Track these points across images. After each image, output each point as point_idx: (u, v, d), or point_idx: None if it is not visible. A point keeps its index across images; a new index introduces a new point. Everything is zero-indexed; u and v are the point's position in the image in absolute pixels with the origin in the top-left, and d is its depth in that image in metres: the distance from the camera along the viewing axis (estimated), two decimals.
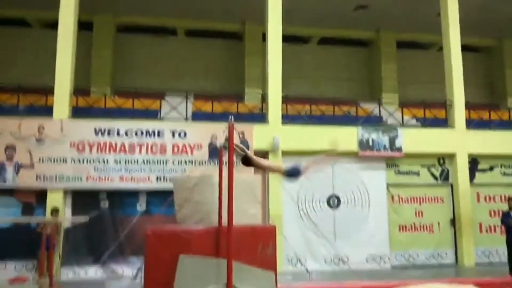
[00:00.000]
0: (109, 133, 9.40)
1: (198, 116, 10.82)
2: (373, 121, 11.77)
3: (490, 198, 11.17)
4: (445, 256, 10.38)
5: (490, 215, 11.05)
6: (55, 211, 8.70)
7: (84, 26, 11.28)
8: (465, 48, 11.65)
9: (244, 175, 5.95)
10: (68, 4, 9.66)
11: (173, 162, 9.52)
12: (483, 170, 11.22)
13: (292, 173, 4.85)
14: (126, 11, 12.74)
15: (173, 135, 9.63)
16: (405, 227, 10.69)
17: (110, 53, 12.93)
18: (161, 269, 5.29)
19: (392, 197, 10.72)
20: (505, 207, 11.25)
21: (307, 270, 9.26)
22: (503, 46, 14.95)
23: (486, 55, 15.57)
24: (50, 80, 9.42)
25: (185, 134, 9.68)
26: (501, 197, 10.94)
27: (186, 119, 10.42)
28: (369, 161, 10.58)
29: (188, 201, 6.60)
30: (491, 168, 11.26)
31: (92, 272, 8.97)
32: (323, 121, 10.98)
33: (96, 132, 9.36)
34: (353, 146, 10.46)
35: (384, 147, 10.65)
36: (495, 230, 10.96)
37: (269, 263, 5.48)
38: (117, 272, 8.94)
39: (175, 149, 9.59)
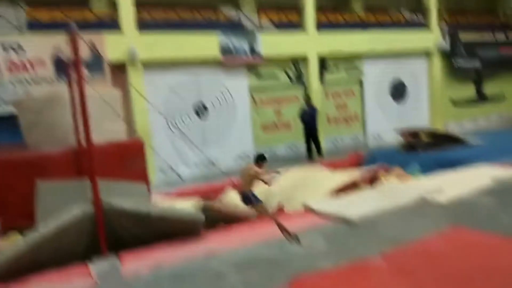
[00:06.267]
0: None
1: (34, 26, 9.20)
2: (234, 27, 11.71)
3: (336, 94, 12.72)
4: (302, 148, 11.74)
5: (336, 108, 12.73)
6: None
7: None
8: None
9: (100, 90, 5.51)
10: None
11: (12, 83, 8.19)
12: (331, 69, 12.51)
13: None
14: None
15: (6, 50, 8.13)
16: (268, 126, 11.67)
17: None
18: (17, 201, 4.82)
19: (255, 101, 11.38)
20: (347, 100, 13.08)
21: (178, 175, 9.63)
22: None
23: None
24: None
25: (21, 48, 8.25)
26: (345, 92, 12.71)
27: (19, 30, 8.79)
28: (231, 67, 10.79)
29: (37, 124, 5.90)
30: (336, 67, 12.59)
31: None
32: (183, 28, 10.50)
33: None
34: (216, 53, 10.44)
35: (245, 53, 10.88)
36: (339, 122, 12.78)
37: (140, 176, 5.46)
38: None
39: (12, 68, 8.19)
